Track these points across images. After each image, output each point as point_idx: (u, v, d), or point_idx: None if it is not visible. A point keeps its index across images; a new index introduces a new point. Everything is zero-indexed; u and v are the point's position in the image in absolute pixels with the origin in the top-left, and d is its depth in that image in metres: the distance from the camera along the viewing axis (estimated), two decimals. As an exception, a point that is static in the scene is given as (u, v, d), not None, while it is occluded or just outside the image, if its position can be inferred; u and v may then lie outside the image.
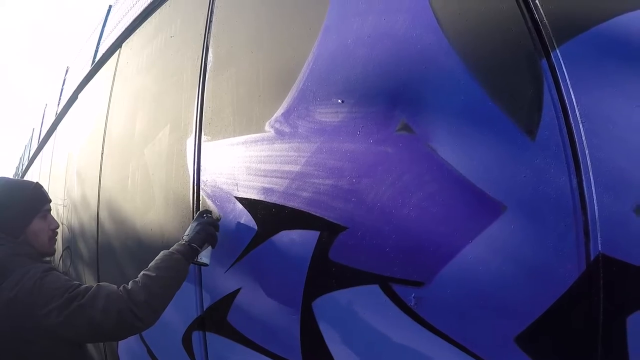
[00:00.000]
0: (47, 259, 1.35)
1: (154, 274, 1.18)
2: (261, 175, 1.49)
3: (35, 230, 1.25)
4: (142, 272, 1.20)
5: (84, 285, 1.10)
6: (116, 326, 1.06)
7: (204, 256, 1.40)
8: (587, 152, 0.91)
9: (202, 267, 1.59)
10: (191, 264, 1.33)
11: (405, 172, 1.13)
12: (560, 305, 0.90)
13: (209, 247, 1.44)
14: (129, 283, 1.15)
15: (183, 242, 1.33)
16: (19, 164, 12.20)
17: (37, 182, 1.35)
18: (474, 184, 1.03)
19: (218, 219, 1.58)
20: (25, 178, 8.52)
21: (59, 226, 1.36)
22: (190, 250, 1.31)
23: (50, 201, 1.35)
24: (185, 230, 1.42)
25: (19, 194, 1.26)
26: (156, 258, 1.27)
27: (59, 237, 4.16)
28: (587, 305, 0.87)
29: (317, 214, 1.30)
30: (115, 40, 3.26)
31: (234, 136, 1.63)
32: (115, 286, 1.14)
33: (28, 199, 1.27)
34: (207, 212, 1.52)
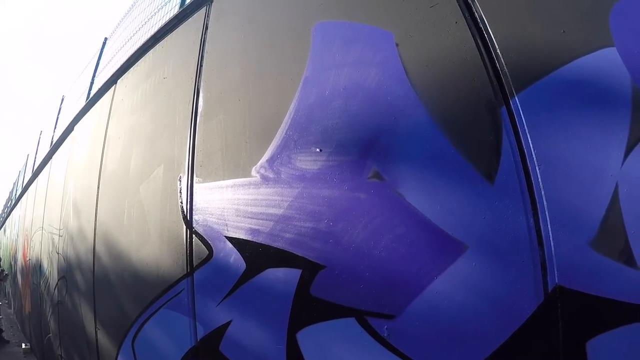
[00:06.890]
0: None
1: None
2: (248, 217, 1.60)
3: None
4: None
5: None
6: None
7: None
8: (543, 193, 1.01)
9: (195, 300, 1.65)
10: None
11: (376, 216, 1.25)
12: (521, 333, 1.00)
13: None
14: None
15: None
16: (12, 190, 12.09)
17: None
18: (437, 226, 1.14)
19: None
20: (19, 204, 8.50)
21: None
22: None
23: None
24: None
25: None
26: None
27: (54, 266, 4.19)
28: (547, 333, 0.97)
29: (298, 254, 1.41)
30: (111, 77, 3.35)
31: (224, 179, 1.74)
32: None
33: None
34: None
